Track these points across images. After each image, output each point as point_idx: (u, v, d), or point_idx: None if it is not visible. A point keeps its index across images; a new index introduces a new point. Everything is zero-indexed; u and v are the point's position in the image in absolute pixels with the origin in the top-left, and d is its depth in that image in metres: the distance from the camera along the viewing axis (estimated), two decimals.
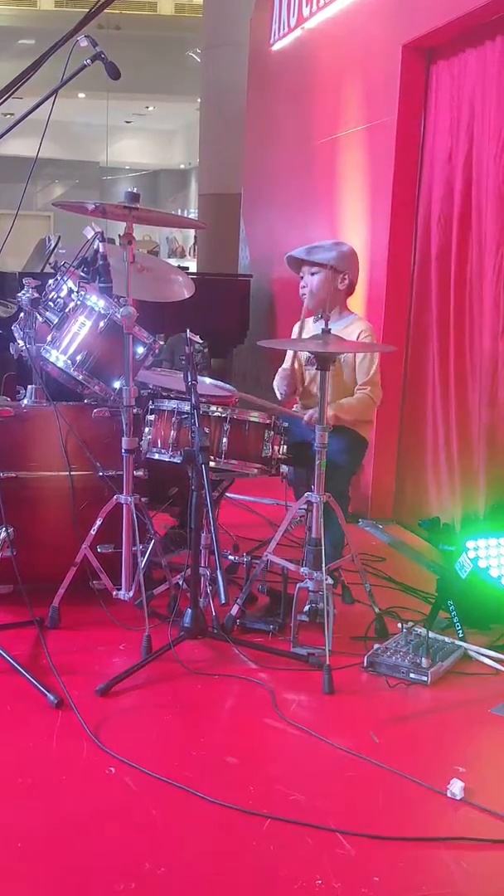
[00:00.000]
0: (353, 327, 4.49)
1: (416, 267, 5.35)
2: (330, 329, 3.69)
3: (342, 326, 4.43)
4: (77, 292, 3.81)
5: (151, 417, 3.84)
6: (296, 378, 4.60)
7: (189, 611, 3.40)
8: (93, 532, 3.66)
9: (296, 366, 4.60)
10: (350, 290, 4.60)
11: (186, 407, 3.64)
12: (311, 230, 6.51)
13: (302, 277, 4.58)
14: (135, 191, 3.57)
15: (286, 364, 4.71)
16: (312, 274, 4.52)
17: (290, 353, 4.72)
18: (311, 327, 4.50)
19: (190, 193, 22.75)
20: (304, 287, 4.56)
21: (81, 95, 17.87)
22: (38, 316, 3.99)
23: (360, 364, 4.45)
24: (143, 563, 3.65)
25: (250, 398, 4.23)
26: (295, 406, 4.68)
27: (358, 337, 4.44)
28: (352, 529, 4.22)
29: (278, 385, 4.64)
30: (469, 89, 4.76)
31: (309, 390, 4.61)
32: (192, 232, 19.02)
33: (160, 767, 2.71)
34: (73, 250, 4.23)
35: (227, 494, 4.76)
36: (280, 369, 4.72)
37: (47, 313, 3.95)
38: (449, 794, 2.63)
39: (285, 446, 3.85)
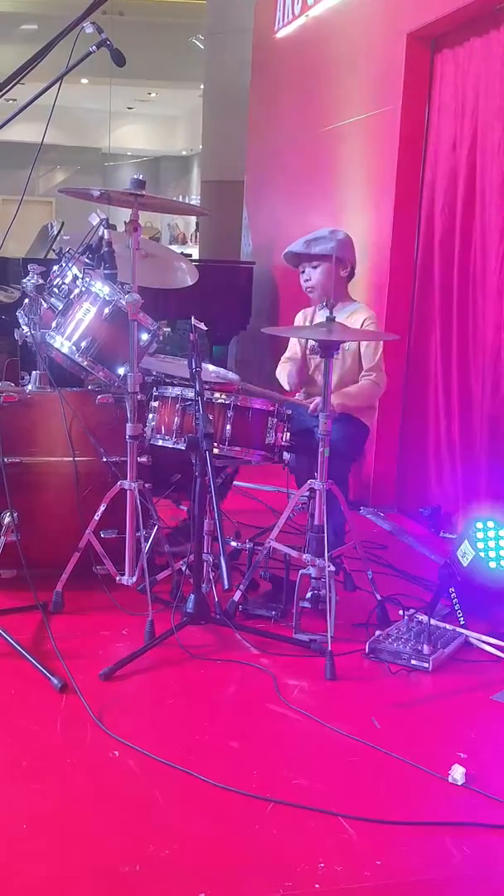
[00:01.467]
0: (356, 315, 4.50)
1: (420, 255, 5.35)
2: (334, 317, 3.69)
3: (346, 315, 4.44)
4: (82, 279, 3.82)
5: (155, 404, 3.85)
6: (304, 372, 4.60)
7: (192, 596, 3.42)
8: (96, 517, 3.68)
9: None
10: (351, 276, 4.61)
11: (190, 393, 3.65)
12: (313, 218, 6.50)
13: (302, 272, 4.57)
14: (140, 177, 3.57)
15: (289, 353, 4.71)
16: (314, 267, 4.52)
17: (293, 342, 4.73)
18: (319, 316, 4.50)
19: (192, 180, 22.69)
20: (307, 281, 4.55)
21: (84, 81, 17.80)
22: (43, 302, 4.00)
23: (365, 351, 4.46)
24: (146, 548, 3.67)
25: (253, 388, 4.23)
26: (298, 395, 4.69)
27: (362, 324, 4.46)
28: (353, 517, 4.22)
29: (289, 375, 4.63)
30: (473, 78, 4.75)
31: (313, 378, 4.62)
32: (193, 218, 19.00)
33: (163, 751, 2.73)
34: (76, 236, 4.24)
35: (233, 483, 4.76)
36: (284, 359, 4.72)
37: (52, 299, 3.95)
38: (450, 780, 2.65)
39: (288, 433, 3.86)
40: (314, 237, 4.55)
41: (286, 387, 4.67)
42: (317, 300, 4.48)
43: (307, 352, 4.60)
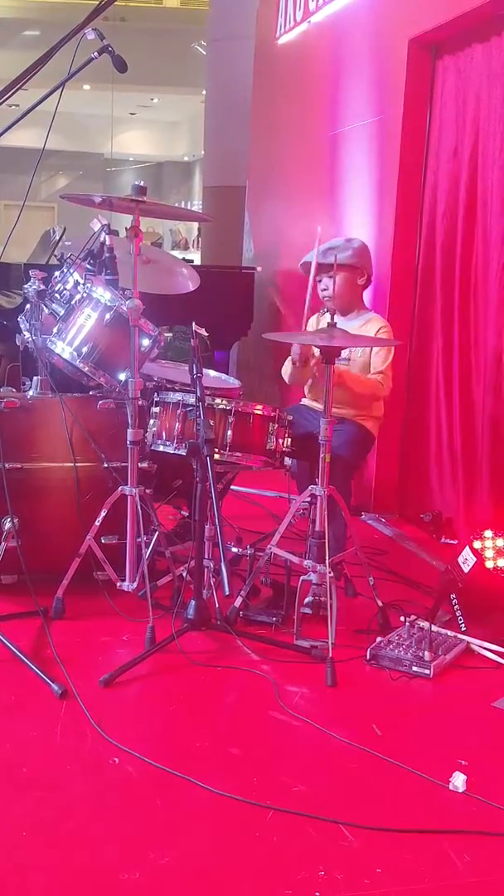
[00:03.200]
0: (371, 324, 4.51)
1: (421, 261, 5.35)
2: (336, 323, 3.69)
3: (360, 323, 4.45)
4: (83, 284, 3.82)
5: (156, 409, 3.84)
6: (307, 352, 4.53)
7: (192, 602, 3.42)
8: (97, 523, 3.67)
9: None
10: (367, 284, 4.60)
11: (191, 399, 3.65)
12: (315, 223, 6.43)
13: (319, 280, 4.51)
14: (141, 184, 3.57)
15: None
16: (331, 276, 4.43)
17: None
18: (323, 320, 4.48)
19: (194, 185, 22.72)
20: (324, 290, 4.50)
21: (86, 87, 17.83)
22: (45, 307, 4.00)
23: (375, 358, 4.44)
24: (146, 554, 3.67)
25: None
26: (303, 399, 4.69)
27: (376, 333, 4.45)
28: (355, 522, 4.22)
29: (285, 370, 4.61)
30: (475, 84, 4.75)
31: (318, 381, 4.61)
32: (195, 224, 19.00)
33: (163, 758, 2.72)
34: (78, 242, 4.24)
35: (231, 487, 4.76)
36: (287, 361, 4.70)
37: (53, 305, 3.95)
38: (451, 787, 2.65)
39: (289, 439, 3.85)
40: (331, 246, 4.52)
41: (286, 380, 4.65)
42: (334, 308, 4.44)
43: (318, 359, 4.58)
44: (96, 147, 23.26)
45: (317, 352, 4.55)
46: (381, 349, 4.45)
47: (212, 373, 4.54)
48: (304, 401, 4.69)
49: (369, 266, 4.57)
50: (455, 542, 3.94)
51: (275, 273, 7.65)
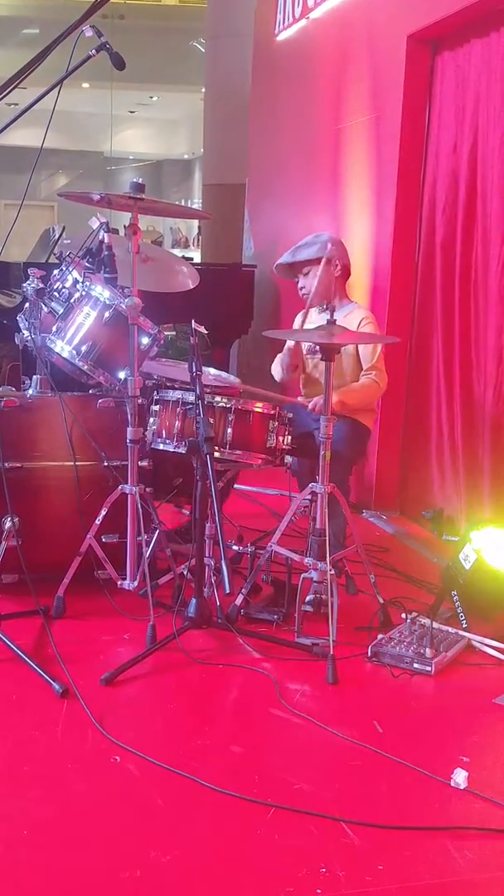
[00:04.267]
0: (353, 315, 4.50)
1: (421, 257, 5.34)
2: (335, 320, 3.69)
3: (343, 315, 4.43)
4: (82, 283, 3.81)
5: (156, 408, 3.84)
6: (297, 357, 4.57)
7: (193, 600, 3.41)
8: (98, 522, 3.67)
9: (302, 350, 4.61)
10: (346, 275, 4.61)
11: (191, 397, 3.64)
12: (315, 220, 6.50)
13: (297, 280, 4.60)
14: (140, 181, 3.57)
15: (286, 346, 4.71)
16: (305, 274, 4.55)
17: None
18: (315, 318, 4.50)
19: (194, 183, 22.68)
20: (302, 289, 4.59)
21: (85, 85, 17.80)
22: (43, 306, 3.99)
23: (363, 351, 4.45)
24: (147, 552, 3.66)
25: (255, 391, 4.23)
26: (299, 397, 4.69)
27: (359, 325, 4.45)
28: (356, 520, 4.22)
29: (275, 366, 4.64)
30: (474, 80, 4.74)
31: (311, 377, 4.62)
32: (195, 222, 18.99)
33: (165, 756, 2.72)
34: (77, 240, 4.23)
35: (234, 485, 4.76)
36: (280, 354, 4.72)
37: (52, 303, 3.95)
38: (453, 784, 2.64)
39: (289, 437, 3.85)
40: (299, 245, 4.61)
41: (276, 377, 4.66)
42: (314, 304, 4.47)
43: (304, 352, 4.60)
44: (96, 146, 23.23)
45: (305, 347, 4.58)
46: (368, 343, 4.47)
47: (212, 370, 4.54)
48: (300, 399, 4.68)
49: (343, 256, 4.58)
50: (456, 539, 3.93)
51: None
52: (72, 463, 3.88)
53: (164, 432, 3.80)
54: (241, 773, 2.68)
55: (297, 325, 4.66)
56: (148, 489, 3.71)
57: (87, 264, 3.91)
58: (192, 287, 4.50)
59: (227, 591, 3.17)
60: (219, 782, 2.60)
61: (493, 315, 4.58)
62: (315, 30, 6.72)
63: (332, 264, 4.47)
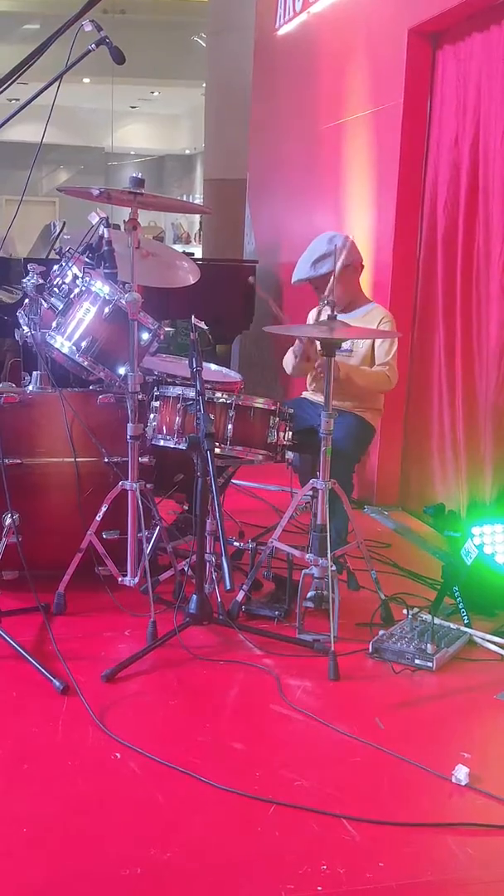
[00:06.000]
0: (371, 315, 4.51)
1: (423, 252, 5.33)
2: (336, 315, 3.68)
3: (362, 314, 4.45)
4: (82, 278, 3.80)
5: (156, 404, 3.83)
6: (311, 348, 4.54)
7: (194, 597, 3.40)
8: (98, 518, 3.67)
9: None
10: (360, 272, 4.61)
11: (191, 393, 3.64)
12: (316, 215, 6.49)
13: (316, 287, 4.51)
14: (139, 176, 3.56)
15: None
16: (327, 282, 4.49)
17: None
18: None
19: (195, 178, 22.67)
20: (327, 296, 4.50)
21: (86, 80, 17.80)
22: (43, 302, 3.98)
23: (379, 348, 4.43)
24: (148, 549, 3.66)
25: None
26: (304, 392, 4.69)
27: (378, 324, 4.45)
28: (357, 516, 4.21)
29: (287, 358, 4.61)
30: (475, 73, 4.73)
31: (320, 373, 4.60)
32: (197, 217, 18.97)
33: (166, 753, 2.72)
34: (78, 236, 4.22)
35: (233, 481, 4.75)
36: (291, 348, 4.70)
37: (52, 299, 3.94)
38: (454, 780, 2.64)
39: (290, 432, 3.84)
40: (317, 257, 4.47)
41: (288, 371, 4.65)
42: (341, 308, 4.41)
43: (318, 348, 4.58)
44: (97, 141, 23.22)
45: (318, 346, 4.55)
46: (384, 340, 4.44)
47: (212, 366, 4.53)
48: (306, 394, 4.68)
49: (357, 257, 4.58)
50: (458, 535, 3.93)
51: (276, 266, 7.63)
52: (72, 459, 3.88)
53: (164, 428, 3.79)
54: (242, 770, 2.68)
55: (311, 320, 4.64)
56: (148, 485, 3.70)
57: (87, 260, 3.90)
58: (192, 282, 4.49)
59: (229, 588, 3.16)
60: (219, 779, 2.60)
61: (495, 310, 4.56)
62: (316, 24, 6.71)
63: (348, 269, 4.47)
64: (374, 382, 4.40)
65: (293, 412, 3.89)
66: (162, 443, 3.79)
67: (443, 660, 3.40)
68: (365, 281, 5.46)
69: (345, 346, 4.32)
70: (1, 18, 16.66)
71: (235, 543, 4.22)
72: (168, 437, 3.77)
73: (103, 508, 3.66)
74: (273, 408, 3.79)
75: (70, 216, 7.56)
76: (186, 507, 4.51)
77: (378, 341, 4.45)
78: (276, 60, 7.77)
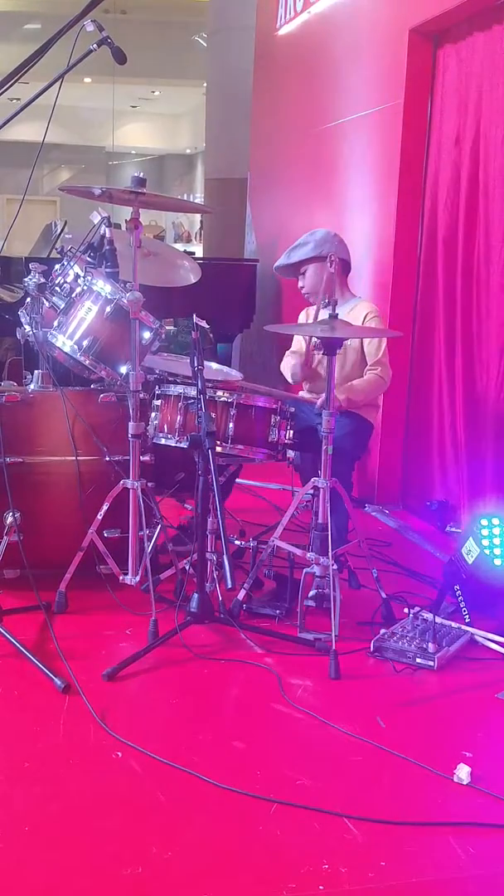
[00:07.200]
0: (357, 310, 4.49)
1: (423, 251, 5.33)
2: (337, 314, 3.68)
3: (347, 310, 4.42)
4: (83, 277, 3.80)
5: (158, 402, 3.83)
6: (309, 353, 4.58)
7: (196, 595, 3.41)
8: (99, 517, 3.66)
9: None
10: (345, 269, 4.60)
11: (193, 392, 3.64)
12: (317, 214, 6.49)
13: (298, 280, 4.64)
14: (141, 175, 3.56)
15: (294, 347, 4.71)
16: (303, 273, 4.56)
17: (298, 338, 4.72)
18: (321, 313, 4.48)
19: (196, 178, 22.68)
20: (302, 288, 4.62)
21: (87, 80, 17.80)
22: (45, 301, 3.99)
23: (368, 346, 4.44)
24: (149, 547, 3.66)
25: (257, 387, 4.21)
26: (301, 392, 4.68)
27: (364, 319, 4.44)
28: (358, 514, 4.21)
29: (293, 368, 4.63)
30: (476, 73, 4.72)
31: (317, 372, 4.61)
32: (198, 217, 18.98)
33: (167, 752, 2.72)
34: (79, 235, 4.22)
35: (236, 480, 4.75)
36: (289, 353, 4.71)
37: (54, 298, 3.94)
38: (455, 779, 2.64)
39: (291, 431, 3.84)
40: (294, 246, 4.62)
41: (290, 380, 4.66)
42: (315, 302, 4.46)
43: (311, 347, 4.58)
44: (98, 140, 23.21)
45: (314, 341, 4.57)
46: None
47: (214, 365, 4.53)
48: (302, 394, 4.67)
49: (339, 250, 4.55)
50: (459, 531, 3.92)
51: None
52: (73, 458, 3.88)
53: (165, 427, 3.79)
54: (243, 769, 2.68)
55: (301, 320, 4.66)
56: (150, 484, 3.70)
57: (88, 259, 3.90)
58: (193, 281, 4.50)
59: (230, 586, 3.16)
60: (221, 778, 2.60)
61: (496, 308, 4.56)
62: (317, 23, 6.71)
63: (325, 261, 4.45)
64: (372, 390, 4.42)
65: (294, 411, 3.89)
66: (163, 441, 3.80)
67: (444, 659, 3.39)
68: (366, 280, 5.48)
69: None
70: (1, 18, 16.66)
71: (237, 542, 4.21)
72: (169, 436, 3.77)
73: (104, 507, 3.66)
74: (274, 406, 3.80)
75: (71, 215, 7.56)
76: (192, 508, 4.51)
77: (367, 339, 4.46)
78: (276, 60, 7.77)
